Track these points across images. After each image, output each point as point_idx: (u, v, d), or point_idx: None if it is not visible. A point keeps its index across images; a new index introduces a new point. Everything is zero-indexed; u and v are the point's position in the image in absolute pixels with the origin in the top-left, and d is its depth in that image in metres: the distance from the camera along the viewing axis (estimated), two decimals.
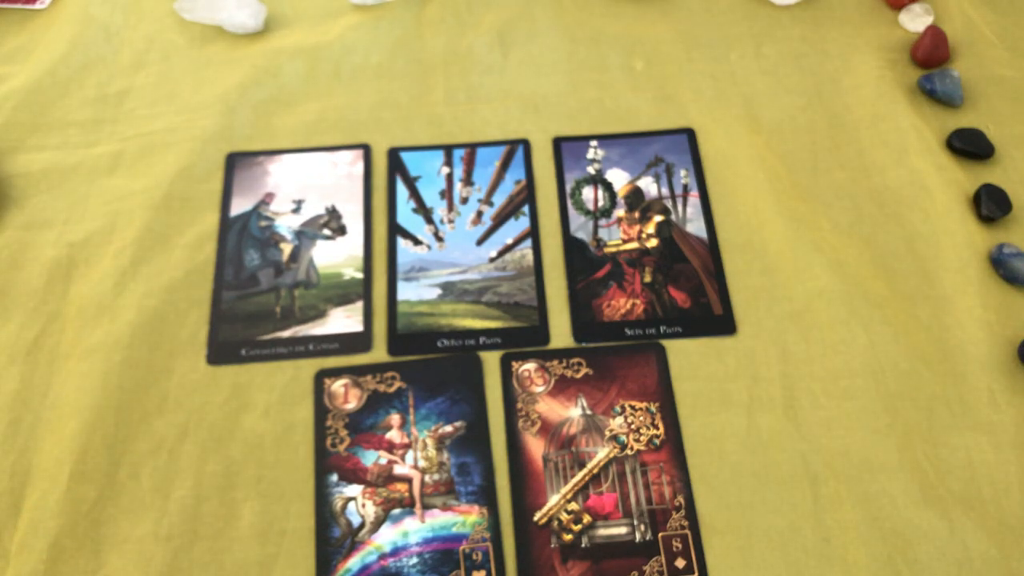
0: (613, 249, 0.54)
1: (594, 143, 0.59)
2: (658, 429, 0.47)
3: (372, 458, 0.47)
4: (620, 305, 0.52)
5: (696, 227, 0.55)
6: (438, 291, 0.53)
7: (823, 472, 0.45)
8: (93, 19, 0.65)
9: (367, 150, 0.59)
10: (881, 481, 0.45)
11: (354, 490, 0.46)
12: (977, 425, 0.47)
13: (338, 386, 0.49)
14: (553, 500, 0.45)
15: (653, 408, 0.48)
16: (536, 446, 0.47)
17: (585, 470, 0.46)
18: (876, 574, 0.43)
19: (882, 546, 0.43)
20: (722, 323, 0.51)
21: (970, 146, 0.56)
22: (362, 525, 0.45)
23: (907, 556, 0.43)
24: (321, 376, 0.49)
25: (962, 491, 0.45)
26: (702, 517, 0.44)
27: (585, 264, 0.54)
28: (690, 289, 0.52)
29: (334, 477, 0.46)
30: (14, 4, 0.66)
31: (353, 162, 0.58)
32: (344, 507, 0.45)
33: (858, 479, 0.45)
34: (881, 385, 0.48)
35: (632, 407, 0.48)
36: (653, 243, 0.54)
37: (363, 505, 0.45)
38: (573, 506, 0.45)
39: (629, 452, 0.46)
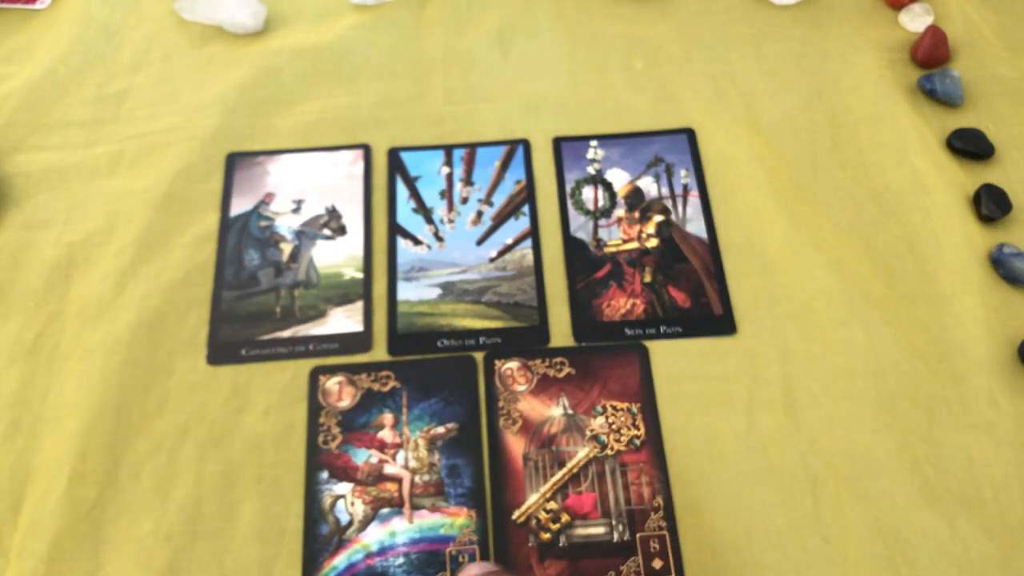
0: (613, 249, 0.54)
1: (594, 143, 0.58)
2: (639, 430, 0.47)
3: (363, 456, 0.47)
4: (620, 305, 0.52)
5: (696, 227, 0.55)
6: (438, 291, 0.53)
7: (823, 472, 0.45)
8: (93, 19, 0.65)
9: (367, 150, 0.59)
10: (881, 481, 0.45)
11: (344, 488, 0.46)
12: (977, 425, 0.47)
13: (332, 383, 0.49)
14: (532, 499, 0.45)
15: (635, 409, 0.48)
16: (516, 445, 0.47)
17: (565, 469, 0.46)
18: (876, 574, 0.43)
19: (882, 546, 0.43)
20: (722, 323, 0.51)
21: (970, 146, 0.56)
22: (350, 523, 0.45)
23: (907, 556, 0.43)
24: (316, 373, 0.49)
25: (962, 491, 0.45)
26: (702, 517, 0.44)
27: (585, 264, 0.54)
28: (690, 289, 0.52)
29: (324, 474, 0.46)
30: (14, 4, 0.66)
31: (353, 162, 0.58)
32: (333, 505, 0.45)
33: (858, 479, 0.45)
34: (881, 385, 0.48)
35: (614, 407, 0.48)
36: (653, 243, 0.54)
37: (352, 503, 0.45)
38: (552, 505, 0.45)
39: (609, 452, 0.46)
